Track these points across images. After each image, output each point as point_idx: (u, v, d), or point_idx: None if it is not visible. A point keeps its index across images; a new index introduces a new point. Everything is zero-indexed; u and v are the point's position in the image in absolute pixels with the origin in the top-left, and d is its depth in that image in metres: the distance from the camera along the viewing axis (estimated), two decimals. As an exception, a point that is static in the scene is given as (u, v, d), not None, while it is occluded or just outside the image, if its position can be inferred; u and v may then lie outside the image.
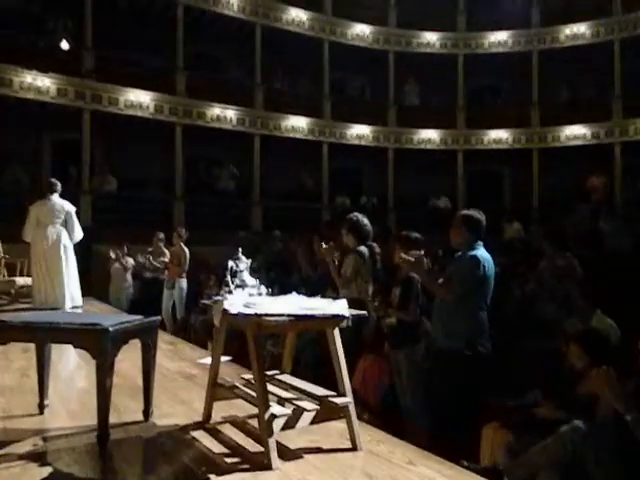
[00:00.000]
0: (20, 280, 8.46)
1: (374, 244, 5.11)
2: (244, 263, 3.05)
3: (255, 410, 2.54)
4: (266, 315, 2.44)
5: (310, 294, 3.34)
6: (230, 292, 2.88)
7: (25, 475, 2.29)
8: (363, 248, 4.97)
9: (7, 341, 2.82)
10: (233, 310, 2.51)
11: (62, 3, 13.98)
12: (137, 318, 2.95)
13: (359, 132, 17.89)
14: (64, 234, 7.34)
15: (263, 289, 3.01)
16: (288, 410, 2.56)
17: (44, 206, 7.33)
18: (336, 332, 2.68)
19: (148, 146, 14.14)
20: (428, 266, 4.57)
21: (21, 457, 2.47)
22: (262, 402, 2.44)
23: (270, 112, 16.37)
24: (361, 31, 17.94)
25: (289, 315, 2.47)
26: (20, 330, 2.77)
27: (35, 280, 7.39)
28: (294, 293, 2.96)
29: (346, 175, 18.30)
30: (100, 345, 2.56)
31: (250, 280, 3.02)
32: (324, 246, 5.06)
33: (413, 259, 3.93)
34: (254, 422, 2.64)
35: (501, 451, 3.39)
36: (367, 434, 2.78)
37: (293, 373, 3.06)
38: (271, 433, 2.39)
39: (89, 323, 2.69)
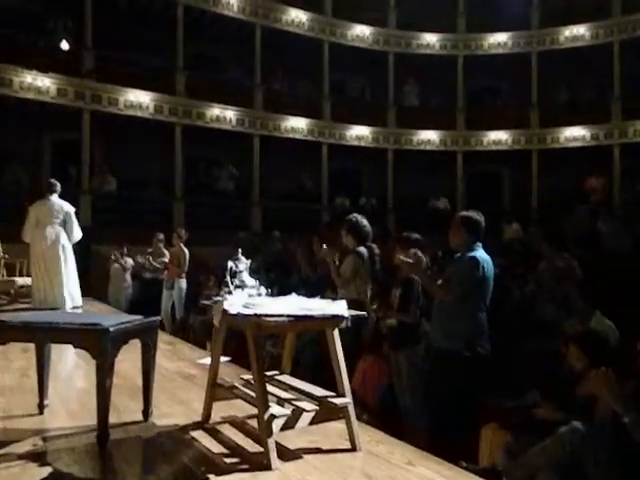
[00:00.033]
0: (20, 280, 8.46)
1: (373, 245, 5.12)
2: (244, 264, 3.06)
3: (254, 410, 2.54)
4: (266, 315, 2.44)
5: (309, 295, 3.34)
6: (230, 292, 2.89)
7: (25, 475, 2.29)
8: (362, 249, 4.98)
9: (7, 341, 2.82)
10: (233, 310, 2.52)
11: (62, 3, 13.99)
12: (137, 318, 2.95)
13: (359, 133, 17.90)
14: (63, 234, 7.35)
15: (263, 290, 3.02)
16: (287, 410, 2.56)
17: (43, 206, 7.34)
18: (335, 333, 2.68)
19: (148, 146, 14.15)
20: (427, 265, 4.58)
21: (21, 457, 2.47)
22: (261, 402, 2.44)
23: (270, 113, 16.38)
24: (361, 32, 17.95)
25: (289, 315, 2.47)
26: (20, 330, 2.77)
27: (34, 280, 7.41)
28: (293, 294, 2.97)
29: (346, 176, 18.31)
30: (100, 345, 2.56)
31: (250, 281, 3.02)
32: (324, 247, 5.07)
33: (412, 260, 3.93)
34: (253, 422, 2.65)
35: (500, 452, 3.40)
36: (366, 434, 2.79)
37: (292, 374, 3.06)
38: (270, 433, 2.40)
39: (89, 323, 2.69)
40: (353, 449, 2.60)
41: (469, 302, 3.83)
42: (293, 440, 2.66)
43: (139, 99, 14.32)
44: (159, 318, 3.30)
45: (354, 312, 2.76)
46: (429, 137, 18.45)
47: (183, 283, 8.93)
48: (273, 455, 2.37)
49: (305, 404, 2.61)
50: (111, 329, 2.59)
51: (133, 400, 3.22)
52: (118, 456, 2.59)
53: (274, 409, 2.49)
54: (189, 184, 15.34)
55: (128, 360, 3.21)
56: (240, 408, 2.93)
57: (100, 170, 14.43)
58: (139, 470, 2.54)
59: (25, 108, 13.04)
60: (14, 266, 8.91)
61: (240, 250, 3.17)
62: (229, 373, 3.57)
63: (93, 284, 10.25)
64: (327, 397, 2.64)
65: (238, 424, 2.84)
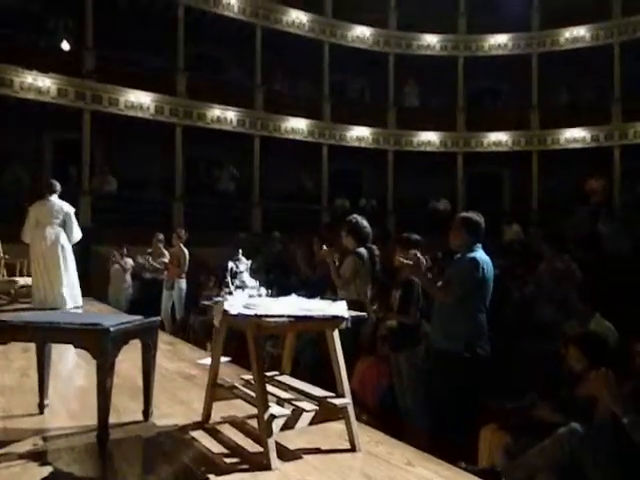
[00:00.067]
0: (20, 280, 8.46)
1: (373, 246, 5.13)
2: (244, 264, 3.06)
3: (254, 410, 2.55)
4: (266, 316, 2.45)
5: (309, 295, 3.35)
6: (230, 293, 2.89)
7: (25, 474, 2.30)
8: (362, 250, 4.98)
9: (8, 341, 2.83)
10: (233, 311, 2.52)
11: (62, 3, 13.99)
12: (137, 318, 2.96)
13: (359, 134, 17.91)
14: (62, 235, 7.36)
15: (263, 290, 3.03)
16: (287, 411, 2.57)
17: (43, 207, 7.35)
18: (335, 333, 2.69)
19: (148, 147, 14.16)
20: (427, 266, 4.58)
21: (21, 456, 2.48)
22: (261, 402, 2.45)
23: (270, 113, 16.39)
24: (361, 33, 17.96)
25: (289, 316, 2.48)
26: (21, 330, 2.78)
27: (34, 280, 7.43)
28: (293, 294, 2.98)
29: (346, 177, 18.31)
30: (101, 345, 2.57)
31: (250, 281, 3.03)
32: (324, 247, 5.08)
33: (411, 262, 3.94)
34: (253, 422, 2.66)
35: (499, 453, 3.41)
36: (366, 435, 2.79)
37: (292, 374, 3.06)
38: (270, 433, 2.40)
39: (90, 323, 2.70)
40: (352, 449, 2.61)
41: (469, 303, 3.83)
42: (293, 440, 2.67)
43: (140, 99, 14.33)
44: (159, 318, 3.30)
45: (354, 313, 2.77)
46: (429, 138, 18.45)
47: (183, 283, 8.94)
48: (273, 455, 2.37)
49: (305, 404, 2.62)
50: (112, 329, 2.59)
51: (133, 400, 3.23)
52: (118, 456, 2.60)
53: (274, 409, 2.50)
54: (189, 185, 15.35)
55: (128, 360, 3.22)
56: (240, 408, 2.94)
57: (101, 170, 14.44)
58: (139, 470, 2.54)
59: (26, 108, 13.05)
60: (14, 266, 8.91)
61: (240, 251, 3.18)
62: (229, 373, 3.58)
63: (93, 284, 10.25)
64: (327, 397, 2.65)
65: (238, 424, 2.85)
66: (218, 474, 2.33)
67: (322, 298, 3.28)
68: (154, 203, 14.82)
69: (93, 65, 13.68)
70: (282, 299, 2.79)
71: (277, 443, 2.45)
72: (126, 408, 3.17)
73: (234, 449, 2.62)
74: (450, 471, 2.47)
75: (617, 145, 16.84)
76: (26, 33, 13.23)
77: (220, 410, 2.99)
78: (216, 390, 2.91)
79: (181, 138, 14.86)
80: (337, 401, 2.62)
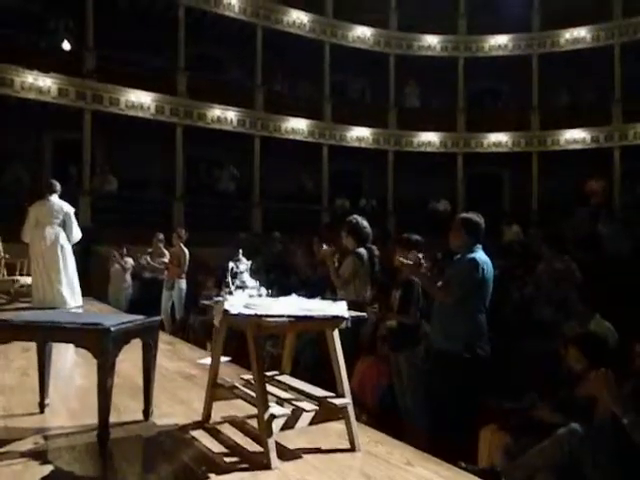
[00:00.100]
0: (21, 279, 8.47)
1: (373, 246, 5.13)
2: (244, 264, 3.07)
3: (254, 410, 2.55)
4: (266, 316, 2.46)
5: (309, 295, 3.35)
6: (230, 293, 2.90)
7: (27, 473, 2.31)
8: (362, 250, 4.99)
9: (9, 340, 2.83)
10: (233, 311, 2.53)
11: (63, 3, 13.99)
12: (138, 318, 2.96)
13: (359, 134, 17.92)
14: (62, 235, 7.37)
15: (263, 290, 3.03)
16: (287, 410, 2.57)
17: (43, 207, 7.36)
18: (335, 333, 2.70)
19: (149, 147, 14.17)
20: (427, 268, 4.58)
21: (22, 455, 2.49)
22: (261, 402, 2.45)
23: (270, 114, 16.40)
24: (362, 34, 17.97)
25: (289, 316, 2.48)
26: (22, 329, 2.78)
27: (33, 280, 7.45)
28: (293, 295, 2.98)
29: (346, 177, 18.32)
30: (102, 345, 2.57)
31: (250, 281, 3.03)
32: (324, 247, 5.08)
33: (412, 262, 3.94)
34: (253, 422, 2.66)
35: (499, 453, 3.41)
36: (365, 435, 2.80)
37: (292, 374, 3.07)
38: (270, 433, 2.41)
39: (91, 323, 2.70)
40: (352, 449, 2.61)
41: (469, 304, 3.84)
42: (293, 440, 2.67)
43: (140, 99, 14.34)
44: (160, 318, 3.31)
45: (354, 313, 2.77)
46: (429, 139, 18.46)
47: (183, 283, 8.94)
48: (273, 455, 2.38)
49: (305, 404, 2.62)
50: (112, 329, 2.60)
51: (133, 400, 3.23)
52: (119, 455, 2.61)
53: (274, 409, 2.50)
54: (190, 185, 15.36)
55: (128, 360, 3.22)
56: (240, 408, 2.94)
57: (101, 170, 14.45)
58: (139, 469, 2.55)
59: (26, 108, 13.06)
60: (14, 265, 8.92)
61: (241, 251, 3.19)
62: (229, 373, 3.58)
63: (93, 284, 10.25)
64: (327, 397, 2.66)
65: (238, 424, 2.85)
66: (218, 473, 2.34)
67: (322, 298, 3.29)
68: (154, 203, 14.82)
69: (94, 65, 13.69)
70: (282, 299, 2.80)
71: (277, 443, 2.45)
72: (126, 407, 3.17)
73: (234, 448, 2.63)
74: (450, 471, 2.47)
75: (617, 146, 16.85)
76: (27, 33, 13.25)
77: (220, 410, 3.00)
78: (216, 390, 2.92)
79: (181, 138, 14.87)
80: (337, 401, 2.62)
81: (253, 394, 2.60)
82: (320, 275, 7.75)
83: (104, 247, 11.44)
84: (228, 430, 2.84)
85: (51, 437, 2.76)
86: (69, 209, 7.49)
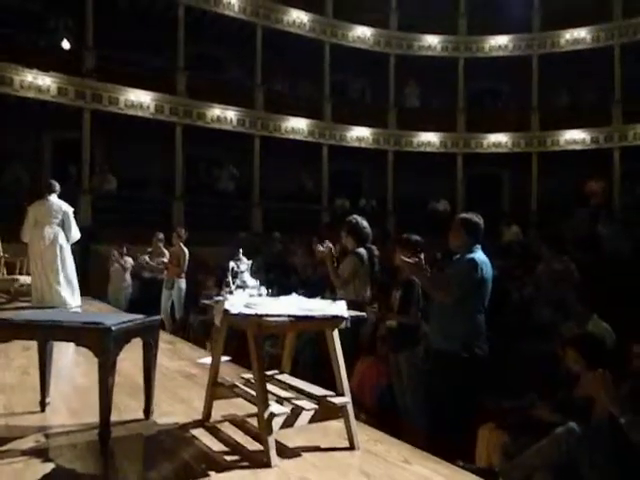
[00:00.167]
0: (21, 278, 8.48)
1: (373, 246, 5.14)
2: (245, 264, 3.08)
3: (254, 409, 2.57)
4: (267, 315, 2.47)
5: (309, 295, 3.37)
6: (231, 292, 2.91)
7: (28, 471, 2.32)
8: (362, 250, 5.00)
9: (11, 339, 2.85)
10: (234, 310, 2.54)
11: (63, 2, 14.01)
12: (139, 317, 2.98)
13: (359, 134, 17.93)
14: (61, 234, 7.38)
15: (263, 290, 3.05)
16: (287, 409, 2.58)
17: (42, 206, 7.37)
18: (335, 333, 2.71)
19: (148, 146, 14.17)
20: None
21: (24, 453, 2.50)
22: (261, 401, 2.47)
23: (270, 113, 16.40)
24: (362, 33, 17.97)
25: (289, 316, 2.50)
26: (23, 328, 2.80)
27: (32, 279, 7.47)
28: (293, 294, 3.00)
29: (346, 177, 18.34)
30: (103, 344, 2.59)
31: (251, 281, 3.05)
32: (320, 248, 5.07)
33: (412, 261, 3.95)
34: (253, 421, 2.67)
35: (497, 452, 3.43)
36: (364, 434, 2.82)
37: (292, 373, 3.09)
38: (270, 431, 2.43)
39: (92, 322, 2.71)
40: (351, 448, 2.63)
41: (467, 303, 3.85)
42: (292, 438, 2.69)
43: (140, 99, 14.34)
44: (160, 317, 3.32)
45: (353, 313, 2.79)
46: (429, 139, 18.48)
47: (183, 283, 8.95)
48: (273, 453, 2.39)
49: (304, 403, 2.64)
50: (114, 328, 2.61)
51: (134, 399, 3.25)
52: (119, 453, 2.62)
53: (274, 408, 2.52)
54: (189, 184, 15.36)
55: (129, 359, 3.24)
56: (240, 407, 2.96)
57: (100, 169, 14.44)
58: (140, 467, 2.57)
59: (26, 107, 13.06)
60: (14, 265, 8.93)
61: (241, 250, 3.20)
62: (229, 372, 3.60)
63: (93, 283, 10.28)
64: (326, 396, 2.67)
65: (238, 422, 2.87)
66: (218, 471, 2.35)
67: (322, 298, 3.31)
68: (154, 202, 14.82)
69: (93, 64, 13.69)
70: (282, 299, 2.81)
71: (277, 441, 2.47)
72: (127, 406, 3.19)
73: (234, 447, 2.64)
74: (448, 469, 2.49)
75: (617, 147, 16.86)
76: (26, 32, 13.25)
77: (220, 409, 3.01)
78: (217, 388, 2.93)
79: (181, 137, 14.87)
80: (336, 400, 2.64)
81: (253, 393, 2.61)
82: (320, 275, 7.77)
83: (104, 246, 11.45)
84: (228, 429, 2.85)
85: (52, 435, 2.78)
86: (68, 209, 7.50)
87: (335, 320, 2.64)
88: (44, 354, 3.14)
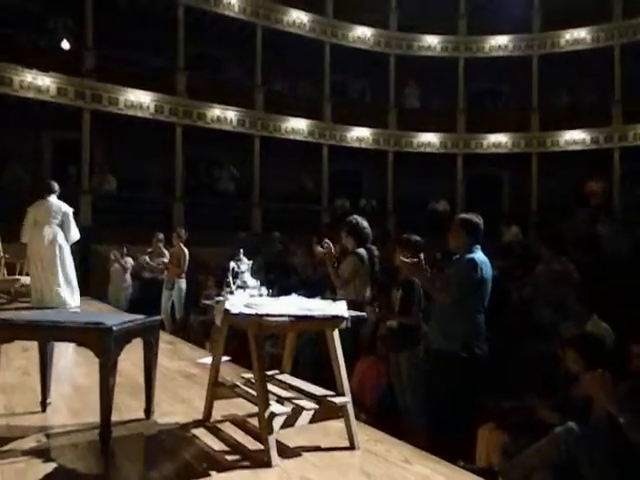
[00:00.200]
0: (22, 279, 8.49)
1: (373, 247, 5.15)
2: (245, 264, 3.09)
3: (255, 409, 2.58)
4: (267, 315, 2.48)
5: (309, 295, 3.37)
6: (231, 293, 2.92)
7: (30, 471, 2.33)
8: (362, 250, 5.00)
9: (12, 339, 2.85)
10: (235, 310, 2.55)
11: (63, 2, 14.01)
12: (139, 317, 2.98)
13: (359, 135, 17.94)
14: (60, 235, 7.38)
15: (264, 290, 3.05)
16: (287, 409, 2.59)
17: (41, 207, 7.37)
18: (335, 333, 2.72)
19: (148, 146, 14.17)
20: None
21: (25, 453, 2.51)
22: (262, 401, 2.47)
23: (270, 114, 16.41)
24: (362, 34, 17.98)
25: (290, 316, 2.51)
26: (24, 328, 2.80)
27: (32, 280, 7.46)
28: (293, 294, 3.00)
29: (346, 177, 18.34)
30: (104, 344, 2.59)
31: (251, 281, 3.06)
32: (319, 249, 5.08)
33: (412, 262, 3.96)
34: (254, 420, 2.68)
35: (496, 452, 3.43)
36: (365, 434, 2.82)
37: (292, 373, 3.09)
38: (271, 431, 2.43)
39: (93, 322, 2.72)
40: (352, 447, 2.64)
41: (467, 304, 3.86)
42: (293, 438, 2.70)
43: (140, 99, 14.34)
44: (160, 317, 3.33)
45: (353, 313, 2.80)
46: (429, 139, 18.49)
47: (183, 283, 8.95)
48: (273, 453, 2.40)
49: (305, 403, 2.65)
50: (115, 328, 2.61)
51: (134, 398, 3.26)
52: (120, 453, 2.63)
53: (274, 407, 2.52)
54: (189, 184, 15.37)
55: (129, 359, 3.24)
56: (241, 407, 2.97)
57: (100, 170, 14.45)
58: (141, 467, 2.58)
59: (25, 107, 13.06)
60: (14, 265, 8.93)
61: (242, 251, 3.21)
62: (229, 372, 3.60)
63: (93, 284, 10.29)
64: (326, 396, 2.68)
65: (239, 422, 2.87)
66: (219, 471, 2.36)
67: (322, 298, 3.32)
68: (154, 203, 14.84)
69: (93, 64, 13.70)
70: (283, 299, 2.82)
71: (277, 441, 2.48)
72: (128, 406, 3.19)
73: (235, 447, 2.65)
74: (448, 469, 2.49)
75: (617, 147, 16.87)
76: (26, 32, 13.25)
77: (221, 408, 3.02)
78: (217, 388, 2.94)
79: (181, 138, 14.88)
80: (337, 400, 2.65)
81: (254, 393, 2.62)
82: (320, 275, 7.78)
83: (104, 247, 11.45)
84: (229, 428, 2.86)
85: (53, 435, 2.78)
86: (67, 209, 7.50)
87: (335, 320, 2.65)
88: (45, 354, 3.15)
